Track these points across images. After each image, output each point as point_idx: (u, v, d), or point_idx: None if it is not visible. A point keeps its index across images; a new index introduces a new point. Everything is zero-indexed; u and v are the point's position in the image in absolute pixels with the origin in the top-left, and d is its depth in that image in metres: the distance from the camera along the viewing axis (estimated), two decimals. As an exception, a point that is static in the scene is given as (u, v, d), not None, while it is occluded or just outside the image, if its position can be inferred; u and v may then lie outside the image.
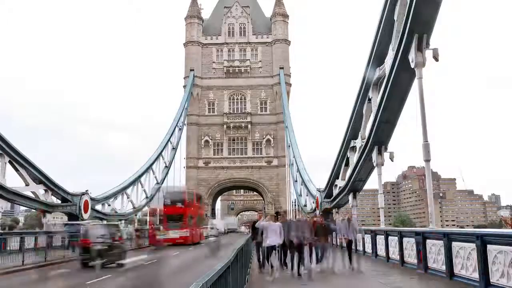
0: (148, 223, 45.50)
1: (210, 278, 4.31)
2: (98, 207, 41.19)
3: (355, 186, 30.04)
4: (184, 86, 69.20)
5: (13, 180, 30.43)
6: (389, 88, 20.45)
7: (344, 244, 17.52)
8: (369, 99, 25.01)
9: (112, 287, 15.10)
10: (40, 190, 32.70)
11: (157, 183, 56.84)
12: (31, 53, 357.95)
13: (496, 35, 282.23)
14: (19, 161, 30.23)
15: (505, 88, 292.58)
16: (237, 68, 71.58)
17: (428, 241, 13.89)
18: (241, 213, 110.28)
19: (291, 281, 13.52)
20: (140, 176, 51.68)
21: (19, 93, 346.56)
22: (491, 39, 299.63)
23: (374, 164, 24.43)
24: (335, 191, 34.33)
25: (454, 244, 12.01)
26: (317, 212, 38.68)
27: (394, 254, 17.56)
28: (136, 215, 53.12)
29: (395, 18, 19.51)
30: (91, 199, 38.10)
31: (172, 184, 58.75)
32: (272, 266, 14.29)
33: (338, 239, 22.63)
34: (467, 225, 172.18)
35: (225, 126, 69.45)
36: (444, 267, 12.50)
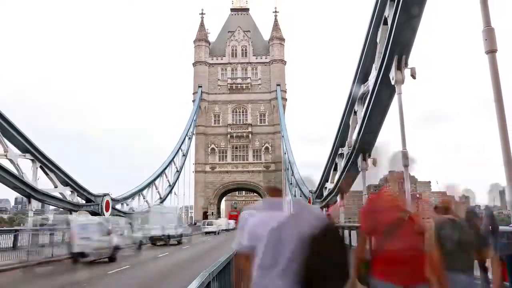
0: None
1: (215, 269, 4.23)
2: (118, 206, 41.06)
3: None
4: (193, 101, 69.44)
5: (44, 182, 30.40)
6: (372, 102, 20.44)
7: None
8: (355, 112, 24.98)
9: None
10: (67, 192, 32.59)
11: (169, 185, 56.77)
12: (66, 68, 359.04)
13: (461, 46, 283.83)
14: (48, 166, 30.16)
15: (474, 94, 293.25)
16: (239, 85, 71.68)
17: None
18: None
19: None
20: (154, 179, 51.64)
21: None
22: (460, 51, 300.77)
23: (359, 169, 24.41)
24: (325, 193, 34.28)
25: (430, 239, 11.92)
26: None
27: (378, 248, 17.44)
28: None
29: (378, 40, 19.55)
30: (112, 199, 37.96)
31: (183, 187, 58.91)
32: None
33: None
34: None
35: (228, 136, 69.44)
36: (421, 260, 12.39)
